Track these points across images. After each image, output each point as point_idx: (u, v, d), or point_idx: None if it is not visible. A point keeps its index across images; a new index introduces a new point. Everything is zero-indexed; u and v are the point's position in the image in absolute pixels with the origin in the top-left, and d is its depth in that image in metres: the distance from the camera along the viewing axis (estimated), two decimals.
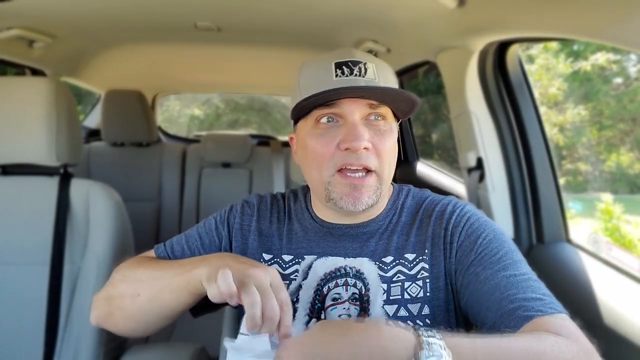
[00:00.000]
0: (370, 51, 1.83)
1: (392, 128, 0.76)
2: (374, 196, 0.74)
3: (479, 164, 1.39)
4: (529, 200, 1.34)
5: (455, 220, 0.77)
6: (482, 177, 1.40)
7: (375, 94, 0.71)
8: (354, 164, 0.72)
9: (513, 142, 1.35)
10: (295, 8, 1.55)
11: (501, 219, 1.36)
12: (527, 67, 1.39)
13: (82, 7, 1.52)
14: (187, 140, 3.47)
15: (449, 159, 2.25)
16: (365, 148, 0.71)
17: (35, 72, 1.97)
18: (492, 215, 1.36)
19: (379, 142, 0.73)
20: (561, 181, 1.37)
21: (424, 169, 2.32)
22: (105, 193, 1.18)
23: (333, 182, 0.74)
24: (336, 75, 0.72)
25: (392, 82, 0.75)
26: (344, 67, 0.72)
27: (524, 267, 0.70)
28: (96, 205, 1.16)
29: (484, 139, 1.37)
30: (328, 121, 0.73)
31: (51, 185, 1.17)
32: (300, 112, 0.76)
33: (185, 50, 2.29)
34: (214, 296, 0.63)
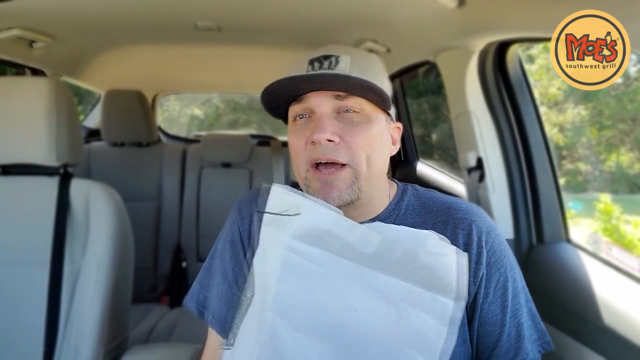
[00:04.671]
0: (370, 51, 1.83)
1: (370, 119, 0.73)
2: (349, 191, 0.71)
3: (479, 164, 1.39)
4: (529, 200, 1.34)
5: (482, 240, 0.74)
6: (482, 177, 1.40)
7: (331, 82, 0.70)
8: (321, 158, 0.70)
9: (513, 142, 1.35)
10: (296, 8, 1.55)
11: (501, 219, 1.36)
12: (527, 67, 1.39)
13: (82, 7, 1.52)
14: (187, 140, 3.47)
15: (449, 159, 2.25)
16: (330, 140, 0.69)
17: (35, 72, 1.97)
18: (492, 215, 1.36)
19: (348, 134, 0.71)
20: (561, 181, 1.37)
21: (424, 169, 2.32)
22: (105, 193, 1.18)
23: (309, 178, 0.73)
24: (307, 71, 0.72)
25: (371, 74, 0.73)
26: (315, 62, 0.72)
27: (525, 306, 0.77)
28: (96, 205, 1.16)
29: (484, 139, 1.37)
30: (301, 117, 0.73)
31: (51, 185, 1.17)
32: (276, 111, 0.77)
33: (185, 50, 2.29)
34: None
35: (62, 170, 1.18)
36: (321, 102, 0.71)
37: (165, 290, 2.34)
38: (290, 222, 0.64)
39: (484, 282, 0.73)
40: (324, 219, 0.64)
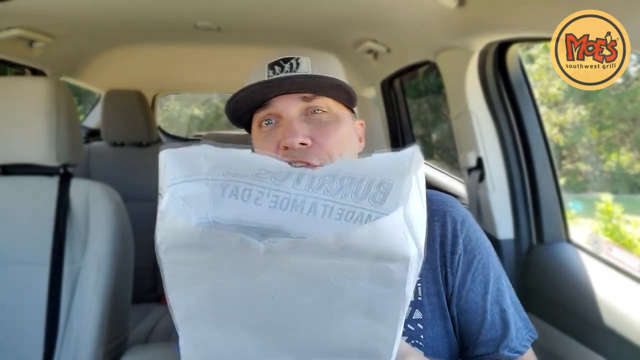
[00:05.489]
0: (370, 51, 1.83)
1: (338, 118, 0.72)
2: None
3: (479, 164, 1.39)
4: (529, 200, 1.34)
5: (457, 229, 0.74)
6: (482, 177, 1.40)
7: (298, 85, 0.69)
8: (295, 161, 0.68)
9: (513, 142, 1.35)
10: (296, 8, 1.55)
11: (501, 219, 1.36)
12: (527, 66, 1.39)
13: (82, 7, 1.52)
14: (187, 140, 3.46)
15: (449, 159, 2.25)
16: (303, 144, 0.68)
17: (35, 72, 1.97)
18: (492, 215, 1.36)
19: (319, 136, 0.69)
20: (561, 181, 1.37)
21: (424, 168, 2.32)
22: (105, 193, 1.18)
23: None
24: (268, 76, 0.71)
25: (333, 74, 0.72)
26: (275, 66, 0.71)
27: (506, 292, 0.75)
28: (96, 206, 1.16)
29: (484, 139, 1.37)
30: (268, 123, 0.71)
31: (51, 185, 1.17)
32: (240, 120, 0.75)
33: (185, 50, 2.29)
34: None
35: (62, 170, 1.18)
36: (288, 106, 0.70)
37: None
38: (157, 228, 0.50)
39: (461, 270, 0.73)
40: (186, 233, 0.48)
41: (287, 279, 0.47)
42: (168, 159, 0.51)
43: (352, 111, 0.77)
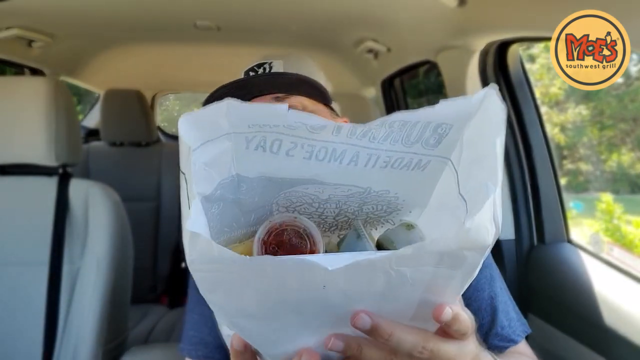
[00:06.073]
0: (370, 50, 1.83)
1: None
2: None
3: None
4: (529, 200, 1.33)
5: None
6: None
7: (266, 85, 0.70)
8: None
9: (514, 142, 1.35)
10: (296, 8, 1.55)
11: (502, 219, 1.35)
12: (528, 66, 1.39)
13: (81, 7, 1.52)
14: None
15: None
16: None
17: (35, 72, 1.96)
18: None
19: None
20: (562, 181, 1.37)
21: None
22: (104, 193, 1.18)
23: None
24: None
25: (305, 72, 0.74)
26: (250, 72, 0.74)
27: (497, 282, 0.73)
28: (95, 206, 1.16)
29: None
30: None
31: (50, 185, 1.17)
32: None
33: (185, 50, 2.29)
34: None
35: (61, 170, 1.18)
36: None
37: (164, 291, 2.34)
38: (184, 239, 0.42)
39: None
40: (223, 262, 0.40)
41: (342, 272, 0.41)
42: (186, 125, 0.45)
43: (332, 109, 0.77)
